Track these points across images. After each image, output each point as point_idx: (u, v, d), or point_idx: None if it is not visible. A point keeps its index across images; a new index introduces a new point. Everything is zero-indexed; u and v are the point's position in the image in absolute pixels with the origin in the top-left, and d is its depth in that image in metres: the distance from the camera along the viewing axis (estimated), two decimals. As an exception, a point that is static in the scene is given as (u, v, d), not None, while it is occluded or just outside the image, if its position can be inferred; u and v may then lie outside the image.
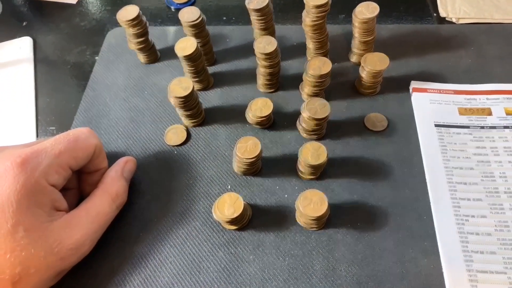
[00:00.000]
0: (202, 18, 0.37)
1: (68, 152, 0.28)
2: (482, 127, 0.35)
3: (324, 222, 0.31)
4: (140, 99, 0.39)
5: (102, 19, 0.48)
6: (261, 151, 0.31)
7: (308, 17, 0.36)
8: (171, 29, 0.45)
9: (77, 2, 0.50)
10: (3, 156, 0.27)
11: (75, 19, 0.48)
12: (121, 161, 0.33)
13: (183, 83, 0.33)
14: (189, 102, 0.34)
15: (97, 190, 0.30)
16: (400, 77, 0.39)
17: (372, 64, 0.35)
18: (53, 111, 0.40)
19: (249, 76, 0.40)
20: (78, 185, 0.32)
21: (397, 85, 0.38)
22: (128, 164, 0.33)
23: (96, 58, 0.43)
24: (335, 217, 0.31)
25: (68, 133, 0.30)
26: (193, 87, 0.33)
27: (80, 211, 0.29)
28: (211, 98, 0.39)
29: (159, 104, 0.39)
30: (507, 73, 0.39)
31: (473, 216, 0.31)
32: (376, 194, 0.32)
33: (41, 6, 0.50)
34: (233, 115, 0.38)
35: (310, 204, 0.29)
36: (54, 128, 0.39)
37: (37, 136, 0.38)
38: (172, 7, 0.48)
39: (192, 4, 0.48)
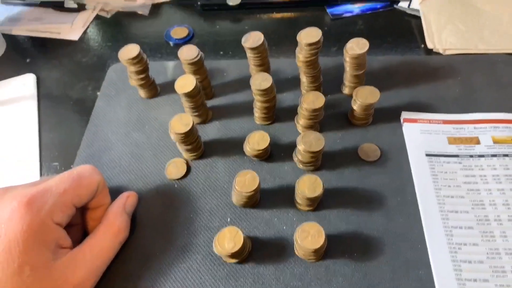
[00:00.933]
0: (201, 56, 0.39)
1: (72, 190, 0.29)
2: (471, 156, 0.36)
3: (322, 254, 0.31)
4: (141, 134, 0.41)
5: (103, 55, 0.50)
6: (259, 185, 0.32)
7: (301, 54, 0.38)
8: (170, 64, 0.47)
9: (79, 39, 0.52)
10: (10, 196, 0.28)
11: (77, 55, 0.50)
12: (123, 196, 0.34)
13: (183, 120, 0.35)
14: (189, 138, 0.35)
15: (100, 226, 0.31)
16: (391, 107, 0.41)
17: (363, 98, 0.37)
18: (57, 147, 0.41)
19: (246, 109, 0.41)
20: (81, 220, 0.33)
21: (389, 115, 0.40)
22: (130, 199, 0.34)
23: (98, 93, 0.45)
24: (332, 248, 0.32)
25: (72, 171, 0.31)
26: (193, 124, 0.35)
27: (84, 248, 0.29)
28: (209, 131, 0.40)
29: (160, 138, 0.40)
30: (492, 102, 0.40)
31: (465, 244, 0.32)
32: (371, 224, 0.33)
33: (44, 43, 0.52)
34: (232, 147, 0.39)
35: (308, 236, 0.30)
36: (57, 163, 0.40)
37: (40, 171, 0.39)
38: (171, 43, 0.50)
39: (190, 39, 0.50)
